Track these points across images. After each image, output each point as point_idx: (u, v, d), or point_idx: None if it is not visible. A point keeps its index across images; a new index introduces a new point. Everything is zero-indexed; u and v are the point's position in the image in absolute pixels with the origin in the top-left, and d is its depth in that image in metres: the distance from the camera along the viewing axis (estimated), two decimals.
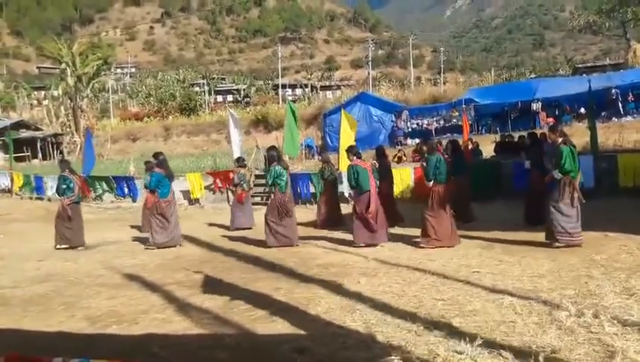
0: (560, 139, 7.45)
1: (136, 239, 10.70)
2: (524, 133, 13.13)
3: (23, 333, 5.01)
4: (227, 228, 11.55)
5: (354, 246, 8.40)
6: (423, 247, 7.99)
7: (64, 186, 10.09)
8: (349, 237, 8.91)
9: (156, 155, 10.09)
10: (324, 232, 10.22)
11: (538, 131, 17.48)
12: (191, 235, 10.84)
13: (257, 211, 12.20)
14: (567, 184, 7.27)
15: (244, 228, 11.32)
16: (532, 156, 9.49)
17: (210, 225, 12.43)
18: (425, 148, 8.71)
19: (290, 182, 9.37)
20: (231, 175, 13.49)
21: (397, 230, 9.67)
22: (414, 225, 9.30)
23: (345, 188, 9.23)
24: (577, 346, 3.80)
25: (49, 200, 18.31)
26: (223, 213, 13.89)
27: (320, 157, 12.76)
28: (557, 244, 7.29)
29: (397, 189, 14.48)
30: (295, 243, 8.93)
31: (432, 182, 8.17)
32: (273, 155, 9.22)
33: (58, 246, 9.98)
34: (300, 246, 8.87)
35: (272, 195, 9.12)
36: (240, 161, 12.48)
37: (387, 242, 8.52)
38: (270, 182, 8.97)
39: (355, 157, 8.80)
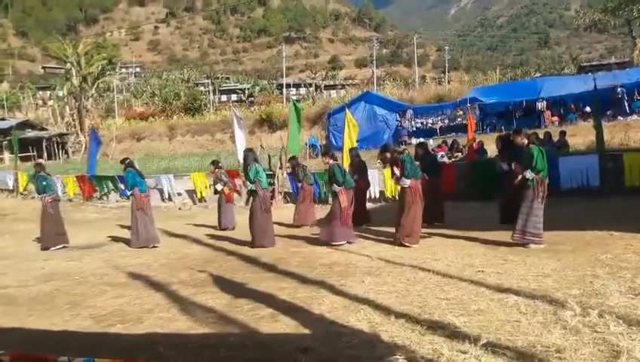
0: (526, 141, 7.63)
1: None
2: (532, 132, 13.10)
3: (29, 332, 5.04)
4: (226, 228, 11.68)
5: (332, 245, 8.53)
6: (401, 245, 8.16)
7: (43, 184, 10.19)
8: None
9: (123, 160, 10.24)
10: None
11: (542, 130, 17.47)
12: (195, 235, 10.87)
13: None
14: (540, 183, 7.36)
15: (224, 229, 11.53)
16: (506, 158, 9.51)
17: (215, 224, 12.42)
18: (388, 154, 9.03)
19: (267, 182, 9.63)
20: (211, 179, 13.59)
21: None
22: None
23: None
24: (582, 346, 3.78)
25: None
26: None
27: (289, 163, 13.05)
28: (533, 246, 7.33)
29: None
30: (274, 244, 9.00)
31: (409, 181, 8.27)
32: (249, 156, 9.32)
33: (53, 248, 9.96)
34: (277, 247, 8.91)
35: (256, 193, 9.13)
36: (216, 164, 12.61)
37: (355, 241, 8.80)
38: (252, 179, 9.03)
39: (331, 160, 9.08)
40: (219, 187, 12.01)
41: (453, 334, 4.16)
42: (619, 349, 3.66)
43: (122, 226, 12.51)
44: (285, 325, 4.76)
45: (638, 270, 5.77)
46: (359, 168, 10.88)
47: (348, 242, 8.64)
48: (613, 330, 4.00)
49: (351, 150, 11.83)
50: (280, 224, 10.98)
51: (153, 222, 9.85)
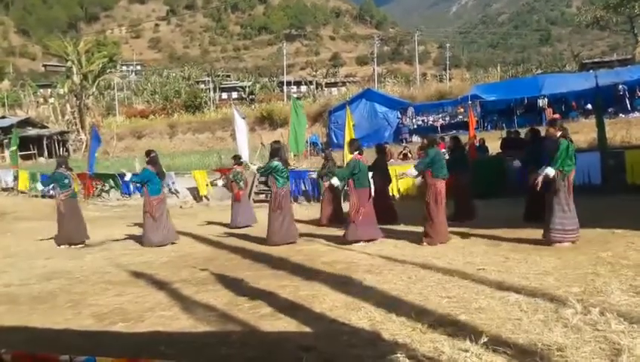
0: (559, 133, 7.38)
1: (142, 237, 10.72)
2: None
3: (30, 330, 5.04)
4: (227, 225, 11.64)
5: (351, 243, 8.41)
6: (425, 245, 7.97)
7: (56, 182, 10.12)
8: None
9: (148, 153, 10.15)
10: (329, 230, 10.22)
11: (543, 128, 17.42)
12: (196, 233, 10.88)
13: (264, 208, 12.27)
14: (562, 178, 7.18)
15: (244, 226, 11.38)
16: (531, 152, 9.47)
17: (216, 222, 12.45)
18: (425, 141, 8.68)
19: (289, 179, 9.36)
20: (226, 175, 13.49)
21: (402, 227, 9.68)
22: (419, 223, 9.28)
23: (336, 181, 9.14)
24: (584, 344, 3.78)
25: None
26: (229, 211, 13.90)
27: (323, 154, 12.82)
28: (566, 244, 7.17)
29: (402, 186, 14.49)
30: (287, 241, 8.89)
31: (420, 175, 8.17)
32: (276, 148, 9.16)
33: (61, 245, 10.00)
34: (297, 243, 8.86)
35: (271, 191, 9.08)
36: (237, 159, 12.50)
37: (382, 238, 8.54)
38: (260, 169, 8.93)
39: (356, 152, 8.79)
40: (219, 183, 11.98)
41: (455, 332, 4.16)
42: (620, 347, 3.65)
43: (123, 224, 12.53)
44: (286, 323, 4.76)
45: (639, 268, 5.76)
46: (379, 168, 10.73)
47: (371, 240, 8.42)
48: (615, 328, 4.00)
49: (378, 146, 11.65)
50: (304, 222, 10.97)
51: (162, 226, 9.68)
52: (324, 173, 11.45)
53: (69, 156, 38.82)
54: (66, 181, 10.16)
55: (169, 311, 5.39)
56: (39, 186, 10.64)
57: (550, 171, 7.15)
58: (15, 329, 5.10)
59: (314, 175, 11.86)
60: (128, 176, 9.91)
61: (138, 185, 9.81)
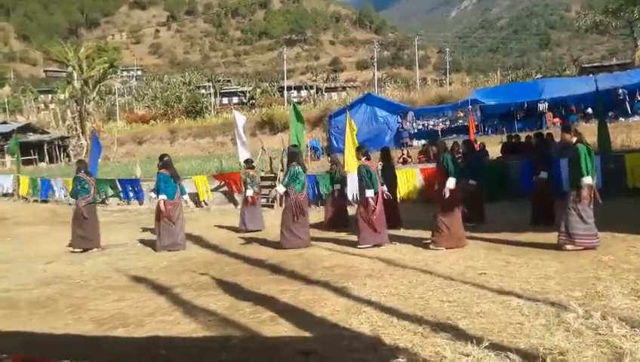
0: (575, 139, 7.13)
1: (142, 241, 10.73)
2: (531, 134, 13.13)
3: (30, 335, 5.03)
4: (236, 230, 11.52)
5: (358, 248, 8.36)
6: (433, 248, 7.89)
7: (78, 187, 10.04)
8: (354, 238, 8.85)
9: (161, 157, 10.16)
10: (330, 234, 10.20)
11: (544, 131, 17.45)
12: (197, 238, 10.85)
13: (265, 212, 12.29)
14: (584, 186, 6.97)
15: (255, 231, 11.31)
16: (537, 156, 9.46)
17: (217, 227, 12.43)
18: (435, 148, 8.57)
19: (306, 183, 9.28)
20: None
21: (402, 232, 9.66)
22: (420, 227, 9.30)
23: (349, 191, 8.91)
24: (585, 348, 3.76)
25: (58, 202, 18.40)
26: (229, 215, 13.92)
27: (329, 158, 12.80)
28: (569, 247, 7.04)
29: (402, 190, 14.45)
30: (308, 245, 8.83)
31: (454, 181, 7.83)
32: (294, 153, 9.15)
33: (73, 250, 9.93)
34: (310, 247, 8.81)
35: (288, 196, 8.97)
36: (249, 163, 12.42)
37: (388, 244, 8.46)
38: (286, 182, 8.91)
39: (364, 158, 8.74)
40: (249, 192, 11.64)
41: (456, 336, 4.14)
42: (622, 351, 3.64)
43: (123, 229, 12.50)
44: (287, 328, 4.75)
45: None
46: (385, 172, 10.62)
47: (378, 244, 8.37)
48: (616, 332, 3.98)
49: (383, 150, 11.58)
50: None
51: (182, 229, 9.67)
52: (337, 180, 11.27)
53: (70, 162, 38.90)
54: (87, 186, 10.09)
55: (169, 316, 5.37)
56: (72, 201, 10.88)
57: (588, 180, 6.88)
58: (14, 334, 5.08)
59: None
60: (153, 195, 9.99)
61: (152, 193, 9.79)
